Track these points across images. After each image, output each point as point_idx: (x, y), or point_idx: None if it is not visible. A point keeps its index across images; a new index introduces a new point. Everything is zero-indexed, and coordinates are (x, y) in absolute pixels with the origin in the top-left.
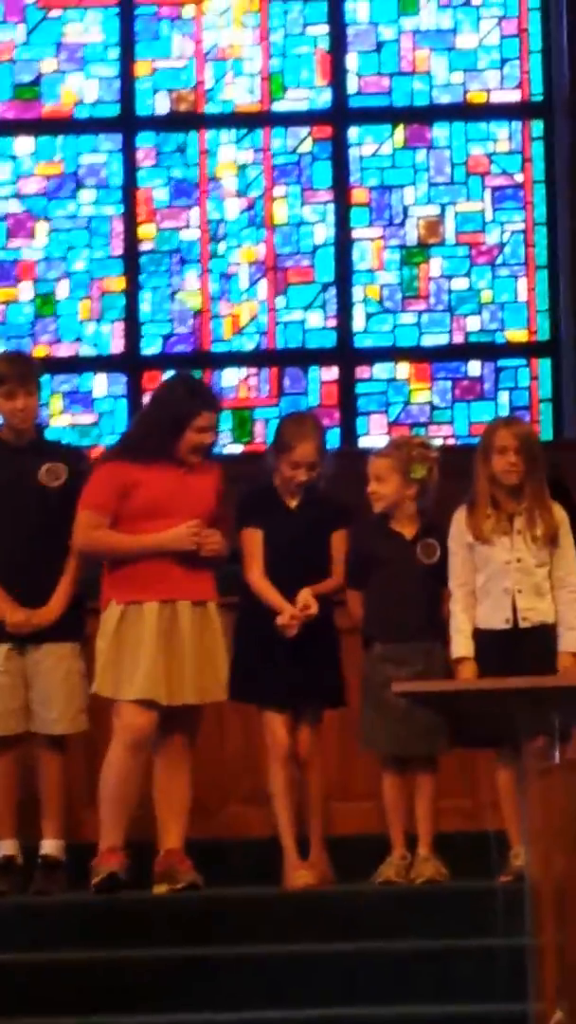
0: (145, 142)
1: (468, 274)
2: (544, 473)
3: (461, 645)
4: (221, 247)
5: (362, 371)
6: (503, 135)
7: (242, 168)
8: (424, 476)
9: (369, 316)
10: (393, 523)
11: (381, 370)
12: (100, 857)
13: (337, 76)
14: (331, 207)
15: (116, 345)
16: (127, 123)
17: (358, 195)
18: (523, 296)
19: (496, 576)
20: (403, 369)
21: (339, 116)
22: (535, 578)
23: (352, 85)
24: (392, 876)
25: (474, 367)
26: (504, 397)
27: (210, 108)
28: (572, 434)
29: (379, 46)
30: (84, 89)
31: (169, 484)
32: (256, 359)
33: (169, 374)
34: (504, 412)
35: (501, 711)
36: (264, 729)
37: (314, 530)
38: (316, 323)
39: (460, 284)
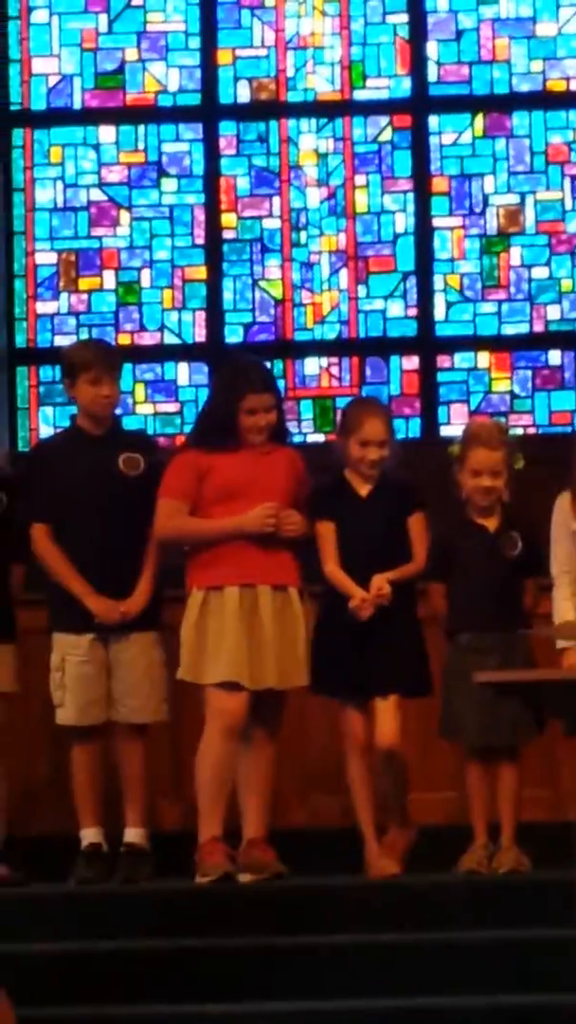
0: (227, 131)
1: (548, 263)
2: None
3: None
4: (302, 236)
5: (443, 360)
6: None
7: (323, 157)
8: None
9: (449, 305)
10: (476, 516)
11: (462, 359)
12: (204, 850)
13: (417, 65)
14: (411, 196)
15: (199, 334)
16: (209, 112)
17: (438, 184)
18: None
19: None
20: (483, 358)
21: (419, 105)
22: None
23: (432, 74)
24: (474, 866)
25: (554, 356)
26: None
27: (291, 97)
28: None
29: (459, 34)
30: (166, 78)
31: (242, 468)
32: (337, 348)
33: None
34: None
35: None
36: (342, 721)
37: (388, 516)
38: (397, 312)
39: (540, 273)
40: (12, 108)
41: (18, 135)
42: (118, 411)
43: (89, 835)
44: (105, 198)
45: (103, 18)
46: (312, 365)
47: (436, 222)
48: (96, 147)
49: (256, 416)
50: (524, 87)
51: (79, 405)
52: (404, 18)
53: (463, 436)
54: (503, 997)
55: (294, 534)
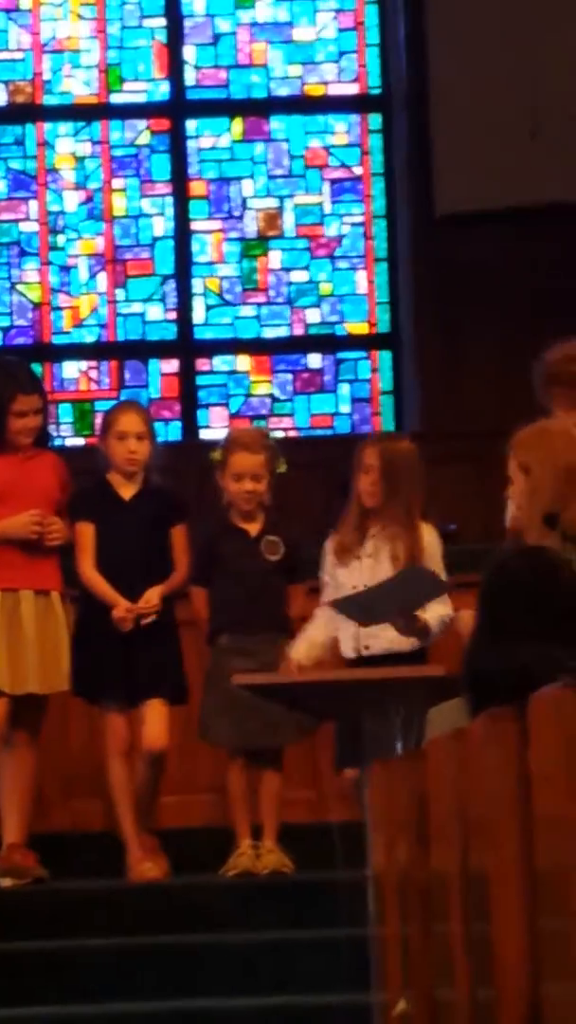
0: None
1: (307, 267)
2: (414, 494)
3: (301, 651)
4: (60, 239)
5: (202, 363)
6: (341, 128)
7: (81, 160)
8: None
9: (209, 308)
10: (238, 519)
11: (221, 362)
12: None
13: (175, 69)
14: (170, 199)
15: None
16: None
17: (197, 187)
18: (363, 288)
19: None
20: (244, 361)
21: (177, 109)
22: None
23: (190, 78)
24: (238, 868)
25: (314, 359)
26: (345, 389)
27: (48, 100)
28: (413, 426)
29: (216, 38)
30: None
31: (6, 472)
32: (96, 352)
33: None
34: (345, 403)
35: (344, 703)
36: (104, 725)
37: (150, 521)
38: (156, 316)
39: (300, 276)
40: None
41: None
42: None
43: None
44: None
45: None
46: (71, 368)
47: (195, 225)
48: None
49: (26, 418)
50: (282, 91)
51: None
52: (161, 22)
53: (224, 441)
54: (268, 998)
55: (58, 541)
